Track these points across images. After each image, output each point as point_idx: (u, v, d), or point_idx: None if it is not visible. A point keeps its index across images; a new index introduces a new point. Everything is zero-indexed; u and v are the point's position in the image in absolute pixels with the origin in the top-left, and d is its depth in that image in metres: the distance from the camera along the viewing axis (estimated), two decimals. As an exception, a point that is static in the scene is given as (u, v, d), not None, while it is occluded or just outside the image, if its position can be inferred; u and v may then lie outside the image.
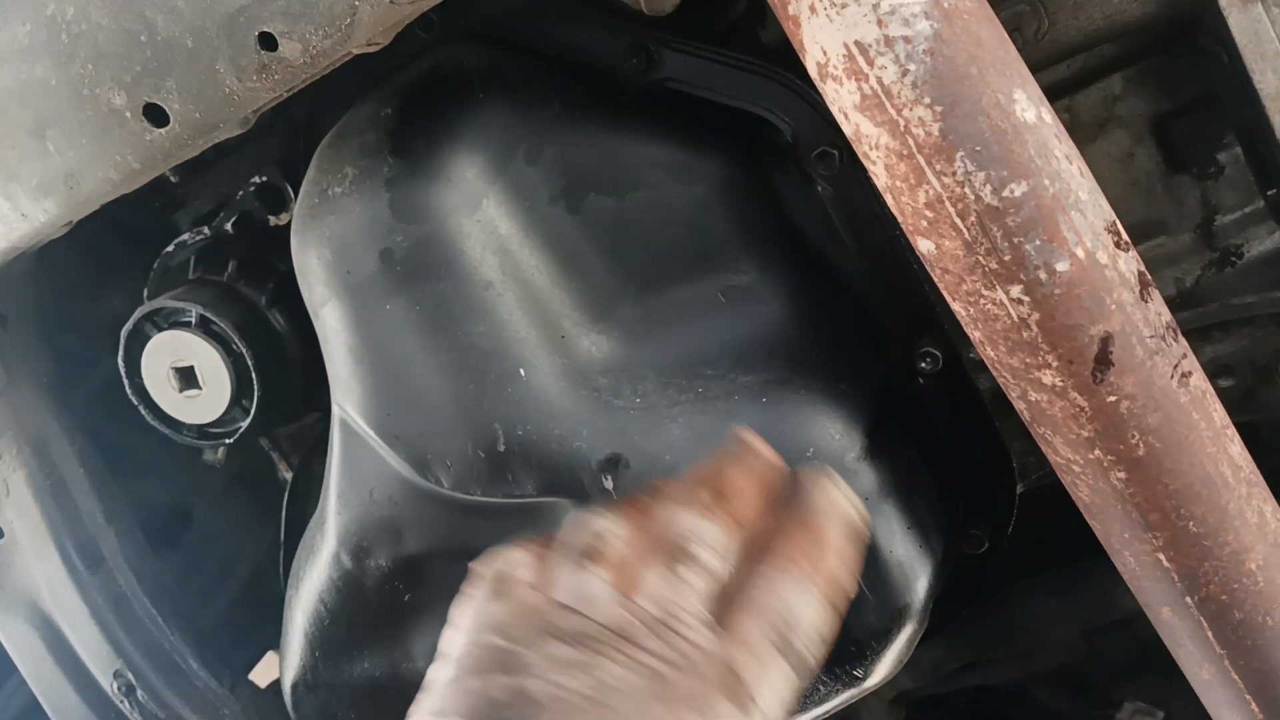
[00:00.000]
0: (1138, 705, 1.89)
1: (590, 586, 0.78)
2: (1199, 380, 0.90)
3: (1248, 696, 1.02)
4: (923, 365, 1.14)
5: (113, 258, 1.50)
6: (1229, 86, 1.00)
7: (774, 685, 0.77)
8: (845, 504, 0.87)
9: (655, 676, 0.74)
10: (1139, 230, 1.12)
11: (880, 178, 0.85)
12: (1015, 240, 0.82)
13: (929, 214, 0.84)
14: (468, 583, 0.85)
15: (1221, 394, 1.10)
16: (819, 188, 1.11)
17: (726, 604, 0.79)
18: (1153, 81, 1.08)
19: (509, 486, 1.09)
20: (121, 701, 1.32)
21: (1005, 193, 0.81)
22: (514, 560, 0.85)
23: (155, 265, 1.33)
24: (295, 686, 1.24)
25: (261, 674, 1.62)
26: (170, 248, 1.31)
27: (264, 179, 1.26)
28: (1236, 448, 0.93)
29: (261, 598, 1.61)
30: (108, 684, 1.32)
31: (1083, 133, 1.12)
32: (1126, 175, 1.11)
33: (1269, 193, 1.07)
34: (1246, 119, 1.02)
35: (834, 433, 1.03)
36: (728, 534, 0.81)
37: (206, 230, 1.29)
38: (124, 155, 1.00)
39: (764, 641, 0.77)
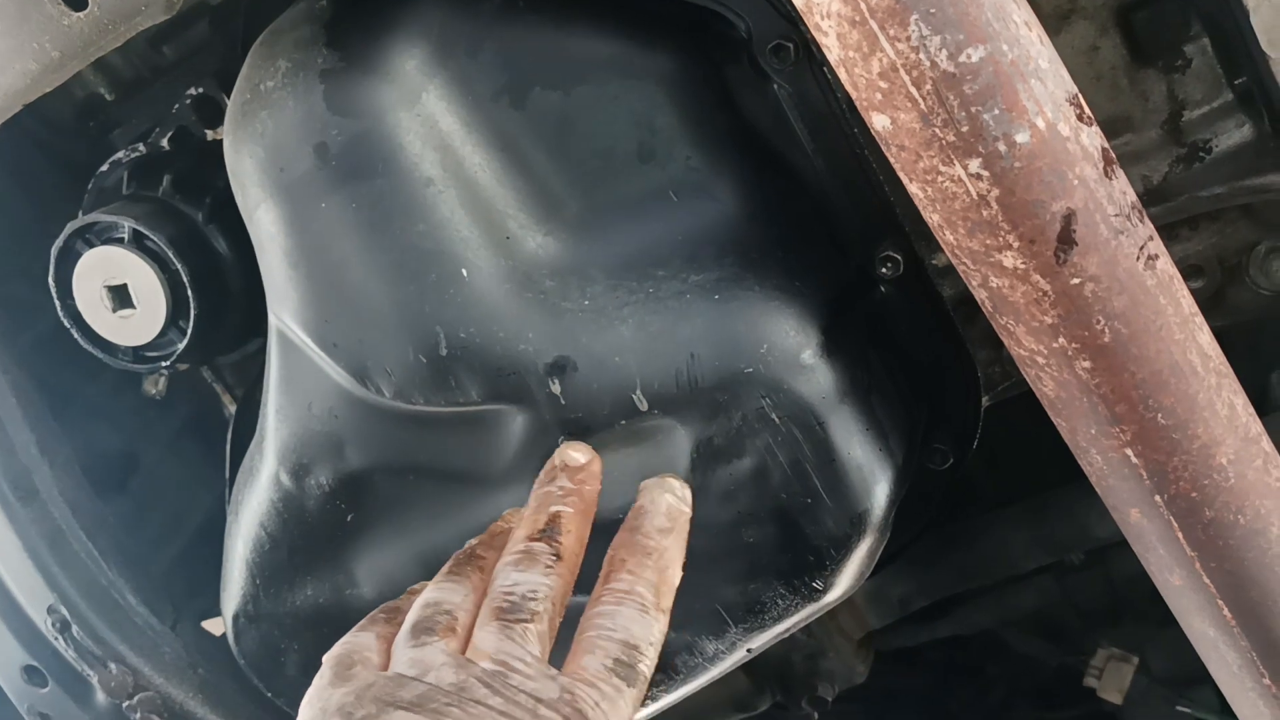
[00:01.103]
0: (1112, 651, 1.87)
1: (428, 656, 0.83)
2: (1166, 264, 0.87)
3: (1220, 601, 0.99)
4: (883, 270, 1.10)
5: (52, 192, 1.44)
6: (1195, -30, 0.97)
7: (620, 712, 0.83)
8: (666, 497, 0.96)
9: None
10: (1105, 127, 1.07)
11: (832, 50, 0.81)
12: (973, 109, 0.79)
13: (883, 84, 0.80)
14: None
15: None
16: (774, 85, 1.07)
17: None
18: (1117, -31, 1.05)
19: (452, 393, 1.04)
20: (56, 638, 1.27)
21: (962, 58, 0.78)
22: (357, 644, 0.90)
23: (90, 185, 1.28)
24: (236, 618, 1.20)
25: (215, 626, 1.57)
26: (105, 166, 1.26)
27: (200, 91, 1.21)
28: (1206, 336, 0.90)
29: (215, 547, 1.57)
30: (41, 620, 1.27)
31: (1046, 25, 1.06)
32: (1091, 69, 1.08)
33: (1236, 82, 1.03)
34: (1213, 6, 0.99)
35: (788, 329, 0.99)
36: (550, 576, 0.88)
37: (141, 146, 1.24)
38: (42, 43, 0.95)
39: (603, 671, 0.83)
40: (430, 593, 0.90)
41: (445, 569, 0.93)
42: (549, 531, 0.91)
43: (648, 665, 0.86)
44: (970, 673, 2.18)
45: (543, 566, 0.88)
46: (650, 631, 0.87)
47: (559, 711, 0.80)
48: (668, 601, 0.90)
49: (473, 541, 0.98)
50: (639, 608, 0.87)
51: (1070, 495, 1.52)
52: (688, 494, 0.97)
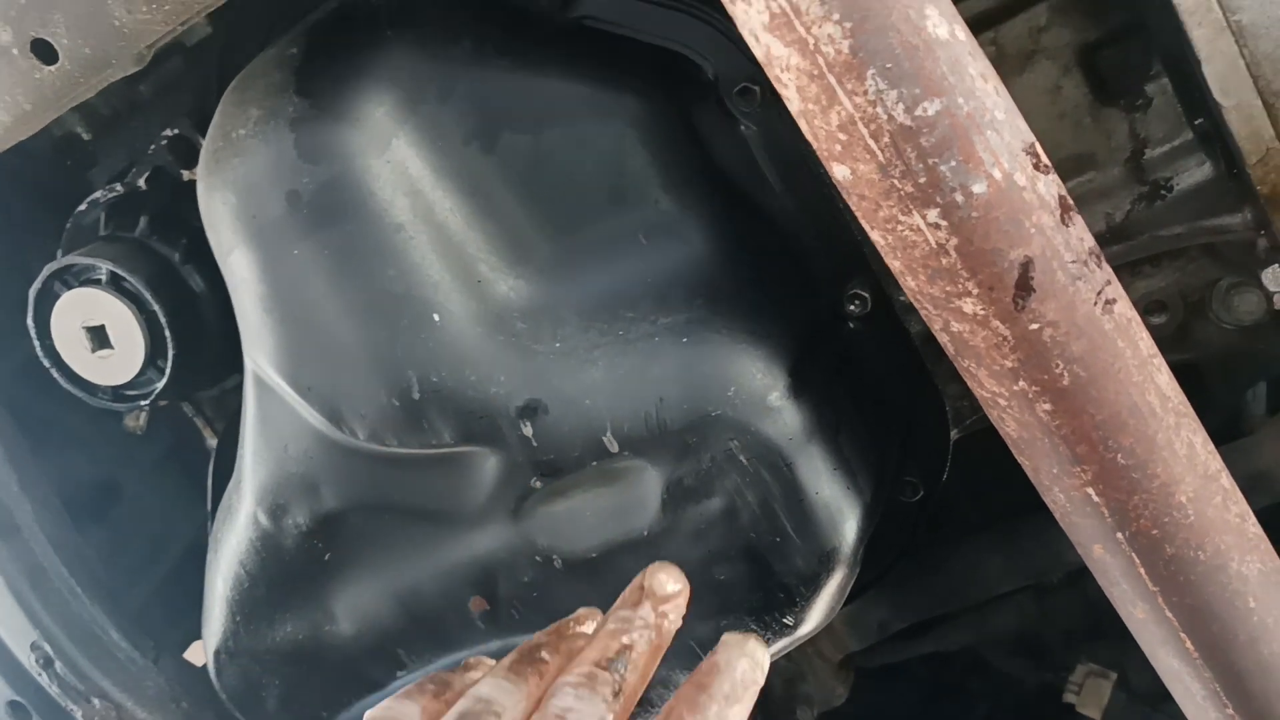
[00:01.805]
0: (1090, 667, 1.88)
1: None
2: (1124, 307, 0.88)
3: (1182, 635, 1.00)
4: (851, 308, 1.11)
5: (28, 226, 1.45)
6: (1153, 12, 0.98)
7: None
8: (743, 663, 0.88)
9: None
10: (1069, 165, 1.10)
11: (793, 102, 0.83)
12: (930, 161, 0.80)
13: (842, 136, 0.82)
14: None
15: (1154, 331, 1.09)
16: (742, 126, 1.08)
17: None
18: (1078, 10, 1.06)
19: (425, 435, 1.05)
20: (40, 674, 1.28)
21: (918, 111, 0.79)
22: (400, 714, 0.85)
23: (68, 224, 1.28)
24: (218, 654, 1.21)
25: (197, 654, 1.58)
26: (83, 206, 1.27)
27: (176, 132, 1.22)
28: (1164, 377, 0.91)
29: (196, 576, 1.57)
30: (25, 656, 1.28)
31: (1009, 65, 1.09)
32: (1054, 108, 1.09)
33: (1196, 122, 1.05)
34: (1172, 45, 1.00)
35: (755, 371, 1.00)
36: (606, 712, 0.82)
37: (119, 186, 1.24)
38: (14, 96, 0.96)
39: None
40: (485, 688, 0.85)
41: (506, 663, 0.88)
42: (617, 663, 0.85)
43: None
44: (953, 690, 2.20)
45: (601, 700, 0.83)
46: None
47: None
48: None
49: (541, 637, 0.92)
50: None
51: (1043, 520, 1.53)
52: (766, 659, 0.90)
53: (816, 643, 1.62)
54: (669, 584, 0.90)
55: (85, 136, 1.32)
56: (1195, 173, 1.07)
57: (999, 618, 1.88)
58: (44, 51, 0.93)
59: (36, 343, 1.23)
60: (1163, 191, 1.08)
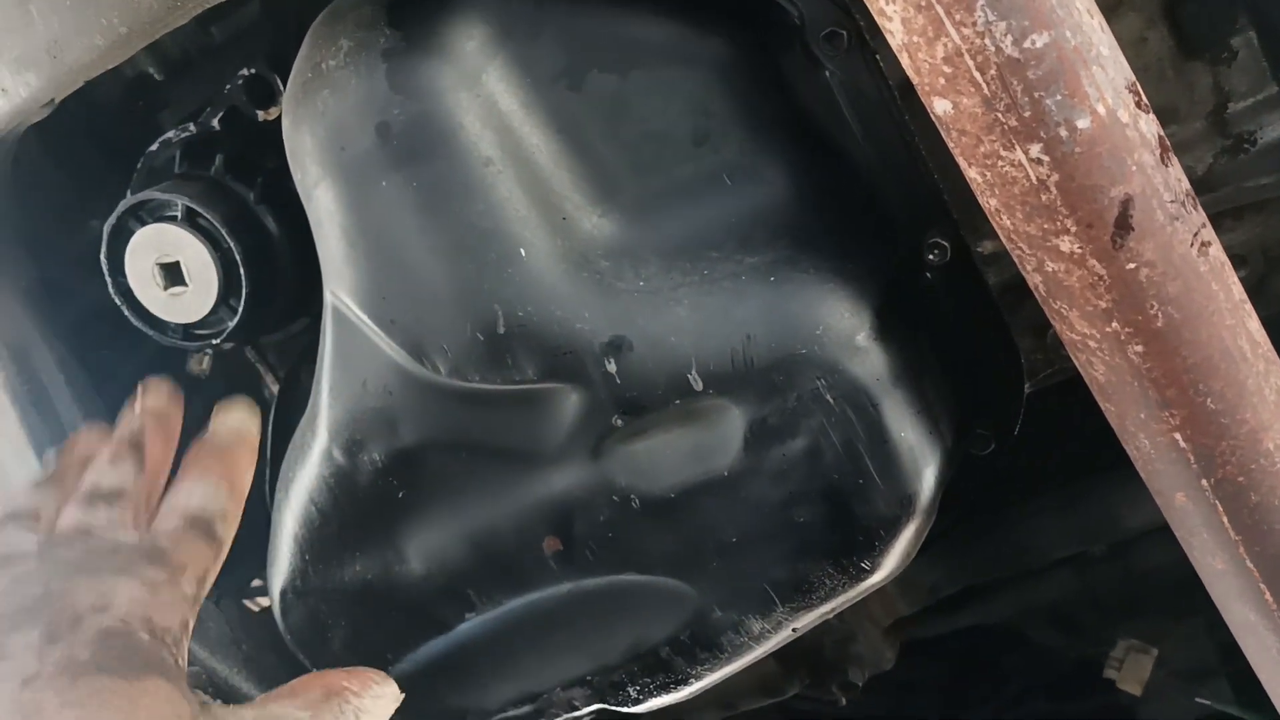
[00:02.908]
0: (1131, 642, 1.89)
1: (12, 537, 0.97)
2: (1218, 251, 0.88)
3: (1262, 585, 1.00)
4: (930, 257, 1.11)
5: (95, 173, 1.45)
6: (1245, -36, 0.98)
7: (193, 554, 0.99)
8: (233, 417, 1.15)
9: (77, 559, 0.93)
10: (1151, 117, 1.10)
11: (896, 34, 0.83)
12: (1036, 95, 0.80)
13: (947, 69, 0.82)
14: None
15: (1234, 286, 1.09)
16: (826, 71, 1.08)
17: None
18: (1166, -38, 1.07)
19: (509, 371, 1.05)
20: (104, 613, 1.28)
21: (1027, 44, 0.79)
22: None
23: (140, 164, 1.28)
24: (284, 593, 1.21)
25: (252, 605, 1.59)
26: (154, 146, 1.27)
27: (252, 71, 1.22)
28: (1254, 323, 0.91)
29: (246, 527, 1.58)
30: (89, 595, 1.28)
31: (1095, 16, 1.09)
32: (1138, 60, 1.09)
33: (1283, 75, 1.05)
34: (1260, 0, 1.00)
35: (843, 311, 1.00)
36: (125, 469, 1.05)
37: (192, 126, 1.25)
38: (110, 18, 0.97)
39: (178, 522, 1.00)
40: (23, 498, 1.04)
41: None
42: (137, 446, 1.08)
43: (224, 530, 1.04)
44: (988, 664, 2.20)
45: (122, 462, 1.06)
46: (221, 503, 1.05)
47: (138, 551, 0.95)
48: (239, 490, 1.08)
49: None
50: (212, 486, 1.05)
51: (1101, 485, 1.53)
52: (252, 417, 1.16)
53: (868, 605, 1.62)
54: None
55: (158, 77, 1.32)
56: (1279, 127, 1.08)
57: (1040, 591, 1.88)
58: (144, -27, 0.94)
59: (109, 279, 1.23)
60: (1246, 145, 1.08)
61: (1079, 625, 2.01)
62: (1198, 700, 1.91)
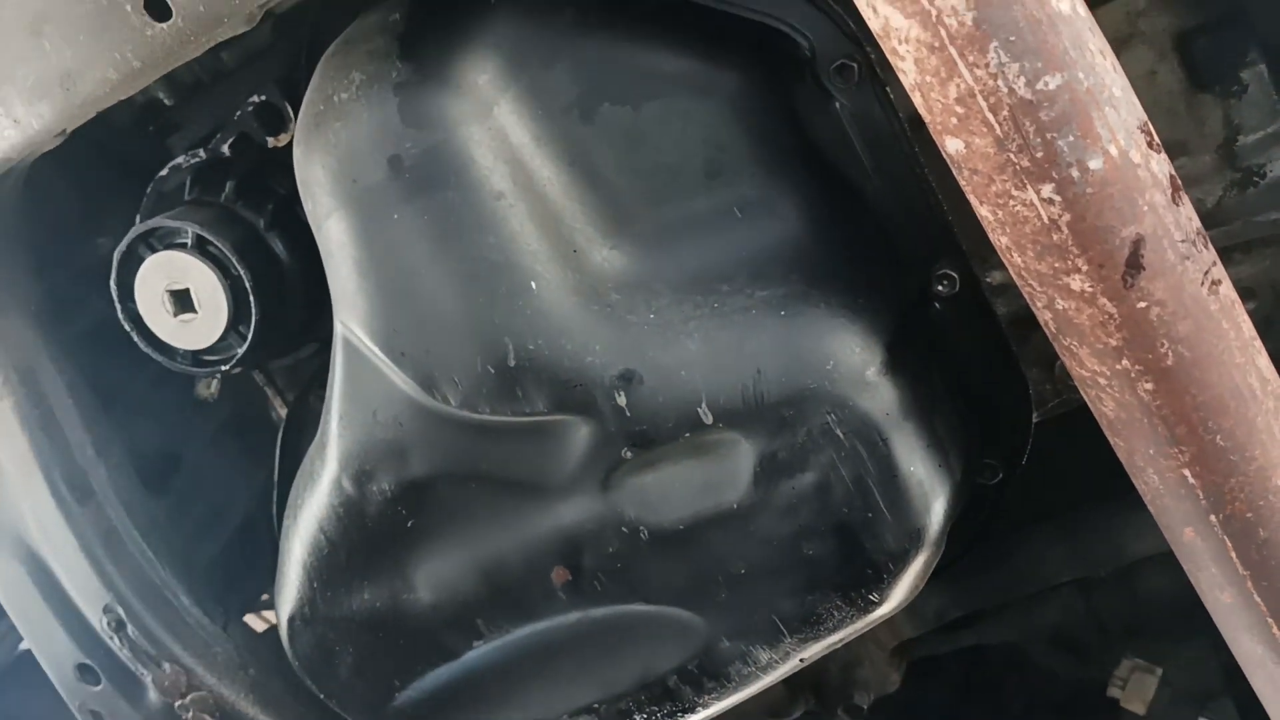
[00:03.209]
0: (1136, 662, 1.88)
1: None
2: (1228, 289, 0.89)
3: (1269, 619, 1.00)
4: (939, 288, 1.12)
5: (104, 192, 1.46)
6: (1255, 1, 0.98)
7: None
8: None
9: None
10: (1161, 152, 1.10)
11: (908, 74, 0.83)
12: (1048, 136, 0.80)
13: (959, 110, 0.82)
14: None
15: (1242, 319, 1.09)
16: (837, 104, 1.08)
17: None
18: (1177, -4, 1.07)
19: (519, 404, 1.06)
20: (111, 637, 1.28)
21: (1040, 85, 0.79)
22: None
23: (149, 189, 1.29)
24: (292, 620, 1.21)
25: (256, 620, 1.59)
26: (165, 171, 1.28)
27: (263, 98, 1.22)
28: (1264, 360, 0.91)
29: (253, 545, 1.58)
30: (97, 620, 1.28)
31: (1105, 50, 1.10)
32: (1149, 93, 1.10)
33: (1293, 110, 1.05)
34: (1272, 34, 1.00)
35: (854, 346, 1.01)
36: None
37: (203, 152, 1.25)
38: (123, 52, 0.97)
39: None
40: None
41: None
42: None
43: None
44: (991, 684, 2.20)
45: None
46: None
47: None
48: None
49: None
50: None
51: (1105, 512, 1.54)
52: None
53: (873, 629, 1.62)
54: None
55: (168, 102, 1.33)
56: (1289, 160, 1.08)
57: (1042, 612, 1.88)
58: (158, 9, 0.94)
59: (118, 305, 1.23)
60: (1255, 179, 1.08)
61: (1083, 646, 2.01)
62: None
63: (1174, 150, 1.11)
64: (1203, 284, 0.87)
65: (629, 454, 1.06)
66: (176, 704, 1.29)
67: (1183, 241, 0.85)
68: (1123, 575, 1.81)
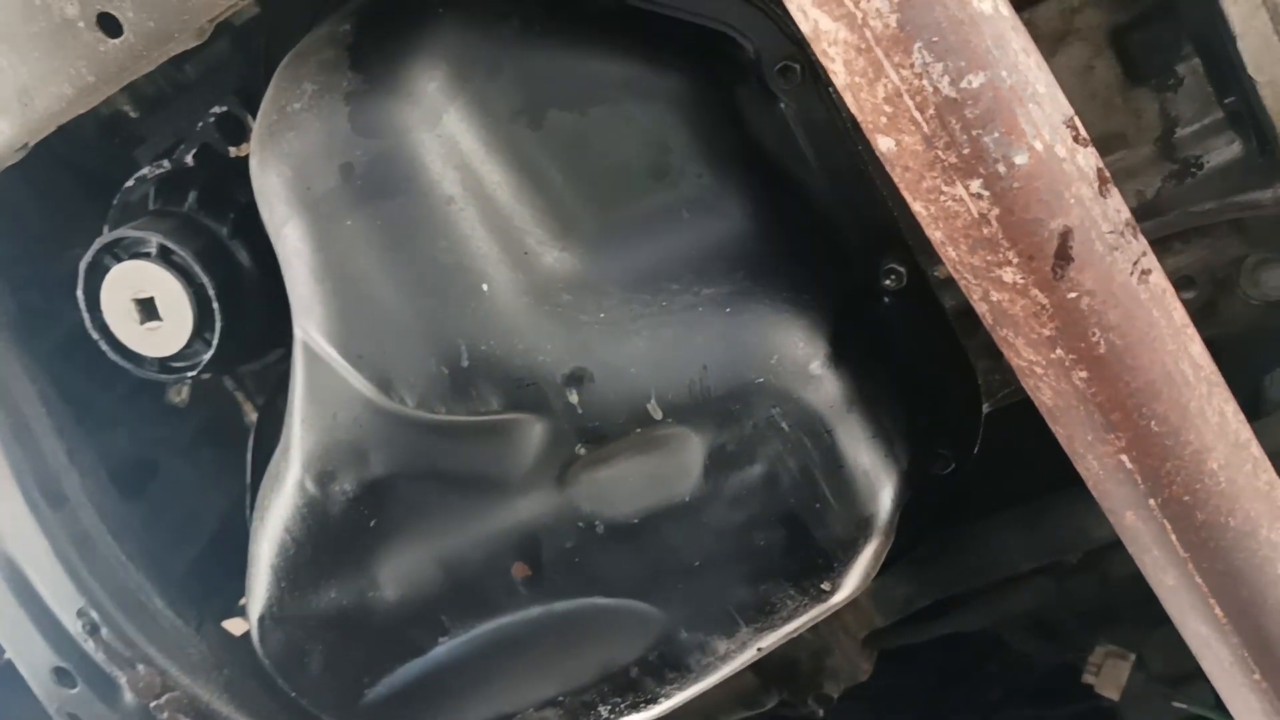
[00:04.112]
0: (1109, 648, 1.90)
1: None
2: (1159, 278, 0.91)
3: (1211, 600, 1.02)
4: (887, 283, 1.14)
5: (72, 206, 1.48)
6: (1186, -5, 1.01)
7: None
8: None
9: None
10: (1099, 144, 1.10)
11: (839, 75, 0.85)
12: (974, 133, 0.82)
13: (888, 109, 0.84)
14: None
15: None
16: (781, 104, 1.11)
17: None
18: (1111, -8, 1.09)
19: (473, 403, 1.08)
20: (86, 640, 1.30)
21: (963, 84, 0.81)
22: None
23: (115, 200, 1.31)
24: (262, 619, 1.23)
25: (236, 624, 1.61)
26: (130, 182, 1.30)
27: (224, 109, 1.25)
28: (1197, 346, 0.93)
29: (230, 550, 1.60)
30: (70, 623, 1.30)
31: (1042, 46, 1.10)
32: (1086, 88, 1.12)
33: (1226, 101, 1.07)
34: (1204, 24, 1.03)
35: (798, 340, 1.03)
36: None
37: (166, 163, 1.27)
38: (78, 68, 0.99)
39: None
40: None
41: None
42: None
43: None
44: (968, 672, 2.22)
45: None
46: None
47: None
48: None
49: None
50: None
51: (1068, 498, 1.56)
52: None
53: (842, 618, 1.65)
54: None
55: (132, 115, 1.35)
56: (1225, 151, 1.10)
57: (1017, 599, 1.90)
58: (109, 25, 0.96)
59: (85, 315, 1.25)
60: (1193, 169, 1.10)
61: (1057, 632, 2.03)
62: (1175, 705, 1.93)
63: (1112, 143, 1.13)
64: (1132, 274, 0.89)
65: (582, 450, 1.08)
66: (151, 704, 1.31)
67: (1110, 233, 0.87)
68: (1093, 561, 1.83)
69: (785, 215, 1.09)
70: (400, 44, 1.06)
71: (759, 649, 1.15)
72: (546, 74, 1.07)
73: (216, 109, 1.25)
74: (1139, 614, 1.93)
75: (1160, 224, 1.11)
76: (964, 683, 2.22)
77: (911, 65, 0.81)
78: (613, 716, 1.22)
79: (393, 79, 1.04)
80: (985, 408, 1.21)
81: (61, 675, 1.34)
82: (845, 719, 1.90)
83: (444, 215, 1.05)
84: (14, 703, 1.74)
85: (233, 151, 1.27)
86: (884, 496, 1.07)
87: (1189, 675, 1.97)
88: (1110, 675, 1.92)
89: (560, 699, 1.22)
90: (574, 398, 1.06)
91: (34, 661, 1.33)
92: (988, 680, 2.21)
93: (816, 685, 1.67)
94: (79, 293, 1.25)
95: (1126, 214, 0.89)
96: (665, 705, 1.21)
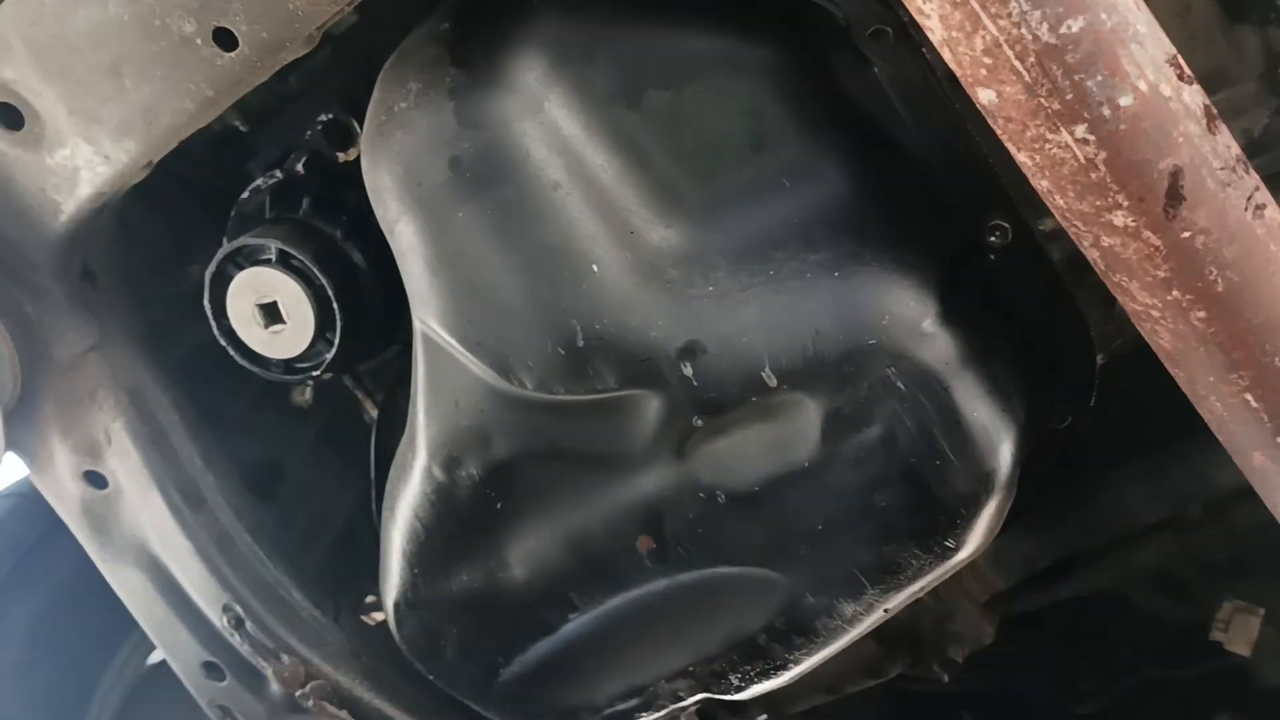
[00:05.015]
0: (1237, 603, 1.86)
1: None
2: (1274, 212, 0.90)
3: (1348, 536, 1.01)
4: (992, 239, 1.14)
5: (189, 224, 1.55)
6: (1285, -75, 0.99)
7: None
8: None
9: None
10: (1202, 84, 1.10)
11: (935, 31, 0.86)
12: (1076, 78, 0.82)
13: (987, 60, 0.84)
14: None
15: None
16: (874, 68, 1.11)
17: None
18: (1208, -72, 1.08)
19: (590, 381, 1.11)
20: (231, 634, 1.36)
21: (1062, 29, 0.81)
22: None
23: (232, 212, 1.37)
24: (397, 606, 1.27)
25: (367, 621, 1.66)
26: (245, 193, 1.35)
27: (330, 117, 1.30)
28: (1316, 280, 0.92)
29: (356, 548, 1.66)
30: (217, 618, 1.36)
31: (1138, -12, 1.10)
32: (1186, 28, 1.10)
33: (1333, 30, 1.05)
34: (1306, -44, 1.01)
35: (908, 299, 1.04)
36: None
37: (279, 173, 1.32)
38: (197, 83, 1.04)
39: None
40: None
41: None
42: None
43: None
44: (1094, 635, 2.19)
45: None
46: None
47: None
48: None
49: None
50: None
51: (1188, 447, 1.53)
52: None
53: (963, 582, 1.64)
54: None
55: (242, 129, 1.40)
56: (1333, 81, 1.08)
57: (1140, 558, 1.87)
58: (225, 39, 1.01)
59: (213, 323, 1.31)
60: (1301, 103, 1.08)
61: (1185, 589, 1.99)
62: (1311, 657, 1.89)
63: (1216, 82, 1.11)
64: (1246, 209, 0.88)
65: (699, 422, 1.10)
66: (297, 693, 1.37)
67: (1222, 169, 0.87)
68: (1217, 514, 1.80)
69: (886, 177, 1.10)
70: (498, 37, 1.09)
71: (885, 610, 1.16)
72: (640, 55, 1.09)
73: (323, 117, 1.30)
74: (1267, 568, 1.89)
75: (1270, 159, 1.09)
76: (1090, 646, 2.19)
77: (1009, 14, 0.81)
78: (743, 684, 1.24)
79: (494, 71, 1.08)
80: (1099, 359, 1.20)
81: (211, 669, 1.40)
82: (973, 685, 1.89)
83: (551, 200, 1.08)
84: (161, 712, 1.83)
85: (340, 157, 1.31)
86: (1004, 450, 1.07)
87: (1321, 625, 1.92)
88: (1240, 631, 1.87)
89: (690, 669, 1.24)
90: (688, 370, 1.08)
91: (185, 657, 1.40)
92: (1114, 643, 2.17)
93: (940, 651, 1.66)
94: (205, 302, 1.31)
95: (1237, 150, 0.88)
96: (795, 671, 1.22)
